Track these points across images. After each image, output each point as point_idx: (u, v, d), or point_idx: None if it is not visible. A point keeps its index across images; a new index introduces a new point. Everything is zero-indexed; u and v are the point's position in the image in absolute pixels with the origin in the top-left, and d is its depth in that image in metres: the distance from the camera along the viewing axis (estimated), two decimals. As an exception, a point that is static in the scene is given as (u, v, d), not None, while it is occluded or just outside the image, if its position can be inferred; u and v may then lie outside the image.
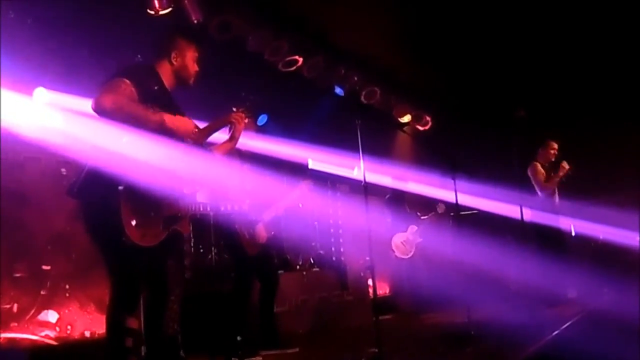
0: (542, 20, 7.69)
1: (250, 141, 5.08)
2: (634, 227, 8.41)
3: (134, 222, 3.06)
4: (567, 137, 9.33)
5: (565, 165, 7.33)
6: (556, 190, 7.43)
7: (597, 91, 9.04)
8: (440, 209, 8.01)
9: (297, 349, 5.25)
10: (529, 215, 7.07)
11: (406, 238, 7.94)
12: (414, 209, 8.35)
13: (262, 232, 5.13)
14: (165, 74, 3.50)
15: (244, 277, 5.16)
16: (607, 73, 8.62)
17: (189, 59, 3.55)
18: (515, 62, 8.61)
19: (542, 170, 7.36)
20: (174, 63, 3.51)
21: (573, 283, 7.30)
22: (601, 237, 9.04)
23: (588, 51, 8.27)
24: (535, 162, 7.41)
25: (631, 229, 8.48)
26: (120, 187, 3.03)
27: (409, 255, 7.93)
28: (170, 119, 3.26)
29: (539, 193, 7.32)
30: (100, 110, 3.12)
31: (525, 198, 7.02)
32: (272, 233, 5.27)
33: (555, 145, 7.48)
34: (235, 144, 3.88)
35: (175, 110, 3.41)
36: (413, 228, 7.98)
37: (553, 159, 7.43)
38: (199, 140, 3.52)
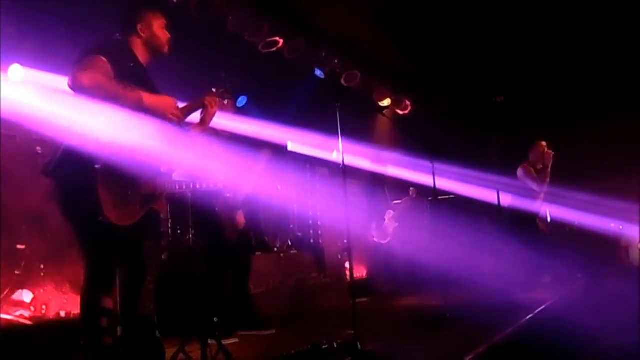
0: (523, 6, 7.71)
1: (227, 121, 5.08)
2: (610, 213, 8.54)
3: (111, 202, 3.04)
4: (546, 123, 9.44)
5: (550, 153, 7.39)
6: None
7: (576, 77, 9.12)
8: (413, 193, 8.08)
9: (273, 331, 5.27)
10: (506, 199, 7.14)
11: (384, 223, 8.00)
12: (392, 193, 8.40)
13: (241, 218, 5.14)
14: (138, 48, 3.45)
15: (218, 260, 5.16)
16: (587, 58, 8.68)
17: (157, 28, 3.50)
18: (496, 48, 8.63)
19: (532, 169, 7.38)
20: (142, 35, 3.46)
21: (547, 268, 7.39)
22: (576, 223, 9.16)
23: (568, 37, 8.31)
24: (524, 164, 7.44)
25: (607, 215, 8.60)
26: (97, 166, 3.00)
27: (387, 240, 8.01)
28: (148, 98, 3.23)
29: (537, 190, 7.35)
30: (77, 88, 3.08)
31: (503, 183, 7.09)
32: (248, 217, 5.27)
33: (544, 144, 7.51)
34: (206, 127, 3.83)
35: (151, 87, 3.38)
36: (390, 213, 8.04)
37: (545, 157, 7.45)
38: (179, 118, 3.48)
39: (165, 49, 3.56)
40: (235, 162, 5.07)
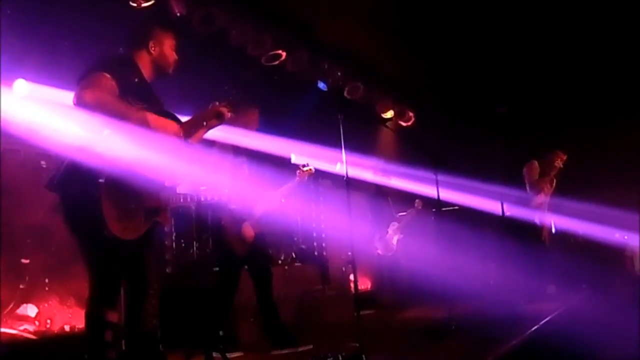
0: (525, 16, 7.73)
1: (238, 137, 5.09)
2: (615, 224, 8.51)
3: (115, 216, 3.05)
4: (549, 133, 9.43)
5: (560, 163, 7.33)
6: (549, 188, 7.40)
7: (579, 87, 9.11)
8: (418, 204, 8.08)
9: (310, 346, 5.06)
10: (510, 210, 7.12)
11: (388, 235, 8.00)
12: (396, 205, 8.40)
13: (249, 231, 5.03)
14: (144, 64, 3.47)
15: (229, 274, 5.07)
16: (589, 69, 8.68)
17: (167, 48, 3.53)
18: (498, 58, 8.65)
19: (538, 169, 7.32)
20: (152, 53, 3.49)
21: (552, 278, 7.37)
22: (581, 233, 9.14)
23: (570, 47, 8.31)
24: (533, 160, 7.38)
25: (612, 226, 8.58)
26: (101, 180, 3.01)
27: (391, 253, 8.00)
28: (153, 119, 3.24)
29: (528, 190, 7.31)
30: (82, 107, 3.09)
31: (507, 193, 7.07)
32: (258, 230, 5.16)
33: (564, 157, 7.41)
34: (206, 132, 3.85)
35: (155, 103, 3.39)
36: (394, 225, 8.04)
37: (557, 167, 7.38)
38: (182, 139, 3.49)
39: (170, 70, 3.58)
40: (257, 180, 5.10)
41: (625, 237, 8.68)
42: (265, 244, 5.41)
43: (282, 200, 6.58)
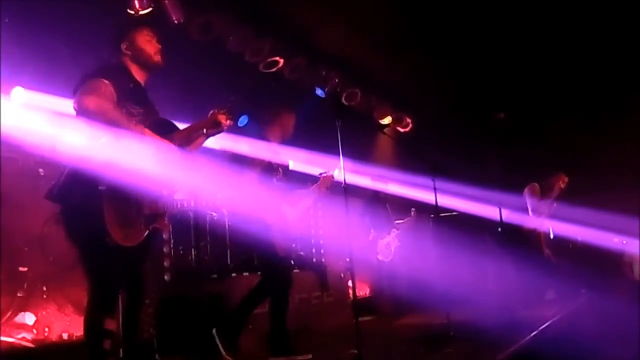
0: (522, 22, 7.75)
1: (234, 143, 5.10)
2: (613, 228, 8.51)
3: (116, 223, 3.05)
4: (547, 139, 9.45)
5: (562, 185, 7.36)
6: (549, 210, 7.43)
7: (577, 94, 9.13)
8: (414, 214, 8.11)
9: (309, 356, 4.99)
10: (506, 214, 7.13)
11: (388, 241, 8.00)
12: (395, 211, 8.40)
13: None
14: (132, 67, 3.49)
15: (274, 279, 5.00)
16: (587, 74, 8.70)
17: (142, 42, 3.51)
18: (496, 65, 8.66)
19: (539, 191, 7.35)
20: (128, 53, 3.49)
21: (551, 284, 7.36)
22: (579, 239, 9.13)
23: (568, 52, 8.33)
24: (534, 183, 7.42)
25: (611, 231, 8.58)
26: (102, 187, 3.01)
27: (389, 259, 8.01)
28: (150, 136, 3.25)
29: (530, 212, 7.32)
30: (83, 112, 3.11)
31: (504, 199, 7.08)
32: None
33: (566, 179, 7.49)
34: (205, 140, 3.86)
35: (150, 108, 3.41)
36: (394, 231, 8.06)
37: (558, 191, 7.46)
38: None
39: (155, 59, 3.54)
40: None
41: (624, 242, 8.67)
42: (291, 253, 5.39)
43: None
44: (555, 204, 7.41)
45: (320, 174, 5.50)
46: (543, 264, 7.01)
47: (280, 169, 5.19)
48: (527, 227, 7.24)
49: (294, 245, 5.27)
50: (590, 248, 8.59)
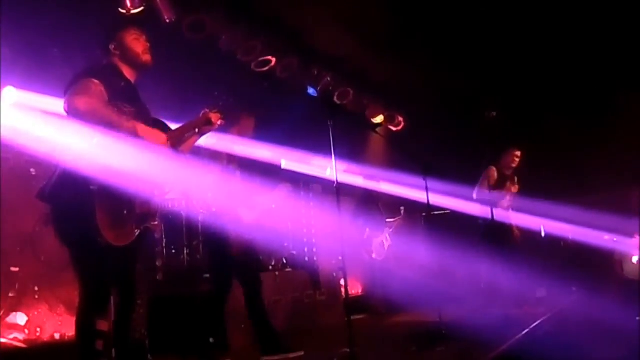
0: (514, 22, 7.77)
1: (232, 145, 5.11)
2: (604, 228, 8.55)
3: (108, 223, 3.05)
4: (540, 138, 9.48)
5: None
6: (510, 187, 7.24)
7: (569, 93, 9.16)
8: (403, 212, 8.15)
9: (302, 352, 5.01)
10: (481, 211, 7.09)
11: (381, 240, 8.04)
12: (387, 210, 8.43)
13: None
14: (122, 67, 3.48)
15: (223, 277, 5.04)
16: (581, 72, 8.73)
17: (129, 41, 3.50)
18: (488, 64, 8.69)
19: (494, 177, 7.17)
20: (116, 53, 3.48)
21: (542, 282, 7.39)
22: (570, 237, 9.17)
23: (562, 49, 8.36)
24: (491, 167, 7.22)
25: (601, 230, 8.61)
26: (93, 187, 3.01)
27: (382, 257, 8.04)
28: (142, 130, 3.26)
29: (474, 194, 7.17)
30: (73, 112, 3.10)
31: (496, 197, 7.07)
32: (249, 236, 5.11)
33: (518, 153, 7.32)
34: (198, 139, 3.87)
35: (141, 107, 3.41)
36: (387, 230, 8.09)
37: (514, 166, 7.29)
38: (171, 147, 3.50)
39: (144, 58, 3.53)
40: (246, 187, 5.10)
41: (615, 240, 8.70)
42: (256, 251, 5.37)
43: (272, 206, 6.58)
44: (515, 180, 7.24)
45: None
46: (517, 258, 6.87)
47: (237, 162, 5.14)
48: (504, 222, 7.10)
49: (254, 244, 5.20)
50: (581, 247, 8.64)
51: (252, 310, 5.07)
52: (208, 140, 4.22)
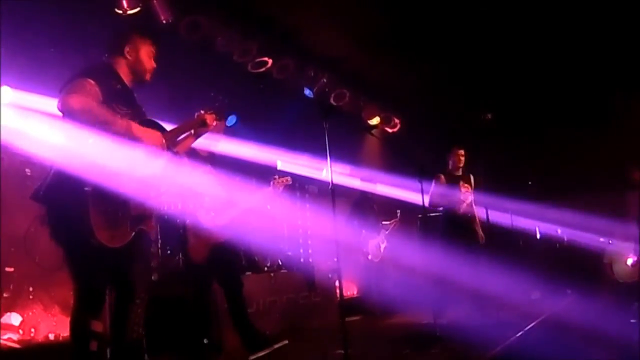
0: (509, 24, 7.79)
1: (219, 143, 5.07)
2: (599, 230, 8.55)
3: (102, 224, 3.05)
4: (535, 140, 9.51)
5: (461, 157, 7.03)
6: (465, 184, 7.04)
7: (565, 96, 9.19)
8: (399, 214, 8.16)
9: (286, 341, 5.04)
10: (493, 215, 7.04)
11: (377, 242, 8.05)
12: (382, 212, 8.44)
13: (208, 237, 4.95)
14: (123, 70, 3.48)
15: (196, 282, 5.02)
16: (577, 74, 8.74)
17: (144, 54, 3.53)
18: (483, 66, 8.70)
19: (443, 182, 6.90)
20: (129, 57, 3.49)
21: (537, 285, 7.40)
22: (565, 239, 9.19)
23: (557, 52, 8.37)
24: (438, 174, 6.96)
25: (596, 232, 8.61)
26: (87, 189, 3.01)
27: (378, 259, 8.05)
28: (137, 129, 3.26)
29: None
30: (67, 112, 3.10)
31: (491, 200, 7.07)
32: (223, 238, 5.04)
33: (462, 152, 7.11)
34: (194, 141, 3.87)
35: (137, 109, 3.41)
36: (383, 232, 8.11)
37: (461, 165, 7.09)
38: (166, 147, 3.49)
39: (147, 77, 3.56)
40: (232, 187, 5.07)
41: (610, 242, 8.69)
42: (233, 252, 5.31)
43: (268, 207, 6.58)
44: (465, 186, 7.08)
45: (277, 176, 5.41)
46: (481, 255, 6.79)
47: (207, 157, 5.08)
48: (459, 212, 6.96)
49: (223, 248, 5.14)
50: (575, 249, 8.65)
51: (232, 311, 5.07)
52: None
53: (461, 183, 7.00)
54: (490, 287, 6.71)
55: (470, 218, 6.92)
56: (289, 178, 5.35)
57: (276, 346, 4.95)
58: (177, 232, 5.01)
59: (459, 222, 6.82)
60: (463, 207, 6.90)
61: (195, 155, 4.89)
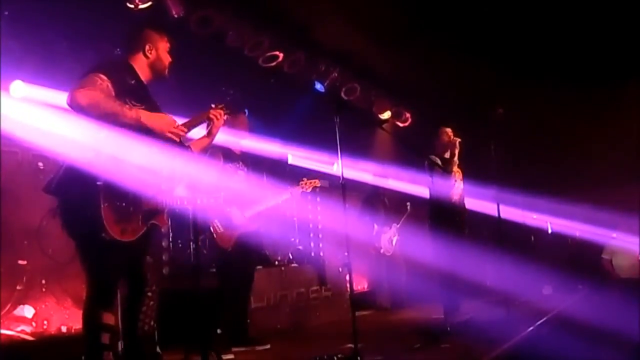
0: (520, 17, 7.75)
1: (243, 141, 5.17)
2: (610, 225, 8.51)
3: (113, 218, 3.07)
4: (545, 134, 9.46)
5: (456, 140, 6.69)
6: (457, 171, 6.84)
7: (575, 90, 9.14)
8: (409, 209, 8.14)
9: (268, 346, 5.22)
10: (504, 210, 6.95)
11: (389, 235, 8.06)
12: (393, 205, 8.44)
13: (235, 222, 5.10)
14: (141, 67, 3.50)
15: (224, 271, 5.16)
16: (583, 68, 8.70)
17: (162, 51, 3.56)
18: (495, 59, 8.66)
19: (438, 162, 6.65)
20: (149, 56, 3.51)
21: (548, 280, 7.37)
22: (577, 235, 9.15)
23: (564, 46, 8.33)
24: (430, 157, 6.66)
25: (607, 227, 8.57)
26: (99, 183, 3.03)
27: (390, 252, 8.06)
28: (146, 116, 3.26)
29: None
30: (75, 106, 3.11)
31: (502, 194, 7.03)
32: (252, 228, 5.24)
33: (449, 130, 6.83)
34: (212, 140, 3.88)
35: (151, 105, 3.41)
36: (394, 226, 8.11)
37: (448, 141, 6.70)
38: (178, 136, 3.49)
39: (166, 73, 3.61)
40: (252, 185, 5.15)
41: (614, 236, 8.62)
42: (261, 245, 5.43)
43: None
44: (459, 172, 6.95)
45: (307, 178, 5.52)
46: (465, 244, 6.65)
47: (240, 158, 5.27)
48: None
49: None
50: (584, 244, 8.61)
51: (237, 304, 5.28)
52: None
53: (455, 168, 6.75)
54: (501, 283, 6.70)
55: (460, 209, 6.80)
56: (317, 180, 5.45)
57: (258, 348, 5.15)
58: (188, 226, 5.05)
59: (451, 212, 6.67)
60: (455, 197, 6.72)
61: (229, 154, 5.15)
